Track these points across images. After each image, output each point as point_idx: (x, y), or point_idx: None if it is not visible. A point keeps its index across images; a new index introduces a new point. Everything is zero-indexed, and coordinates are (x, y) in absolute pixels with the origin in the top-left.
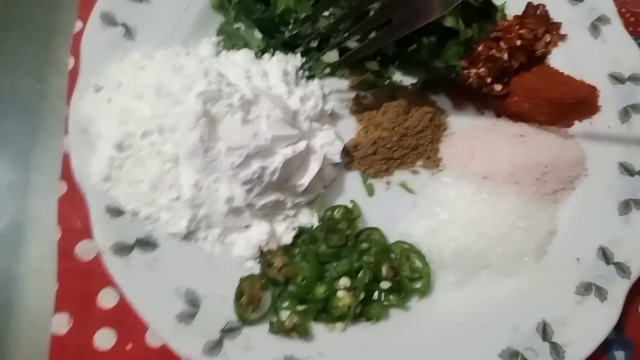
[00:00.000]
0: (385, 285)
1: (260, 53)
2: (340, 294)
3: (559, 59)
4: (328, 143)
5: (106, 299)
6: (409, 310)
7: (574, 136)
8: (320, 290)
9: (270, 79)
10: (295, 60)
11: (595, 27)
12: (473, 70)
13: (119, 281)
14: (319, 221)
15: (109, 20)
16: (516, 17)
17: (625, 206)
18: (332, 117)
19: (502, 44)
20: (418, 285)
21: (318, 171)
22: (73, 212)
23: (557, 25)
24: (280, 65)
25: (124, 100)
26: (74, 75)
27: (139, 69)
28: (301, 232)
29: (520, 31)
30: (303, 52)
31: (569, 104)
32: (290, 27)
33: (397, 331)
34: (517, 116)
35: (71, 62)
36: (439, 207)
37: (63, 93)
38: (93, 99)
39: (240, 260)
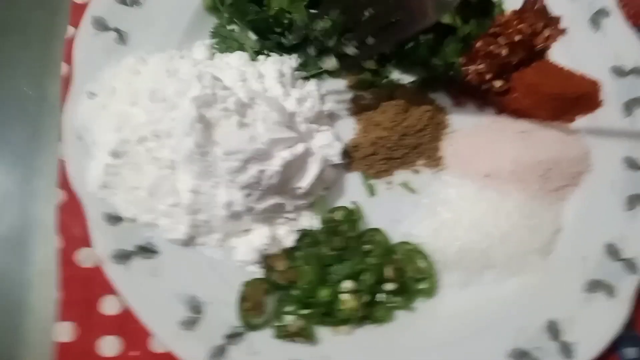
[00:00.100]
0: (389, 286)
1: (255, 55)
2: (344, 297)
3: (559, 54)
4: (327, 144)
5: (110, 306)
6: (414, 312)
7: (577, 132)
8: (324, 293)
9: (266, 80)
10: (290, 61)
11: (596, 20)
12: (472, 67)
13: (120, 289)
14: (321, 224)
15: (100, 25)
16: (514, 12)
17: (631, 201)
18: (331, 118)
19: (501, 39)
20: (423, 286)
21: (318, 173)
22: (72, 220)
23: (557, 20)
24: (275, 67)
25: (119, 106)
26: (67, 81)
27: (133, 73)
28: (303, 235)
29: (519, 26)
30: (299, 52)
31: (571, 99)
32: (284, 29)
33: (402, 333)
34: (518, 113)
35: (64, 68)
36: (441, 207)
37: (60, 98)
38: (88, 106)
39: (242, 264)
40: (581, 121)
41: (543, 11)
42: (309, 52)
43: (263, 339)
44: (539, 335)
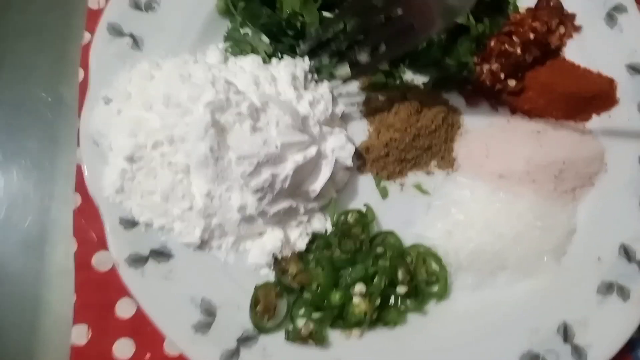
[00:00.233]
0: (401, 289)
1: (268, 58)
2: (356, 300)
3: (574, 52)
4: (339, 147)
5: (124, 309)
6: (427, 315)
7: (592, 131)
8: (336, 297)
9: (279, 84)
10: (303, 63)
11: (612, 16)
12: (486, 67)
13: (135, 292)
14: (333, 226)
15: (116, 31)
16: (529, 9)
17: None
18: (343, 120)
19: (514, 38)
20: (435, 288)
21: (330, 175)
22: (88, 224)
23: (572, 17)
24: (288, 70)
25: (134, 111)
26: (84, 87)
27: (148, 79)
28: (315, 237)
29: (534, 24)
30: (312, 60)
31: (586, 98)
32: (297, 32)
33: (414, 336)
34: (532, 112)
35: (81, 74)
36: (454, 208)
37: (77, 104)
38: (103, 111)
39: (254, 268)
40: (596, 120)
41: (558, 8)
42: (322, 59)
43: (275, 342)
44: (552, 337)
